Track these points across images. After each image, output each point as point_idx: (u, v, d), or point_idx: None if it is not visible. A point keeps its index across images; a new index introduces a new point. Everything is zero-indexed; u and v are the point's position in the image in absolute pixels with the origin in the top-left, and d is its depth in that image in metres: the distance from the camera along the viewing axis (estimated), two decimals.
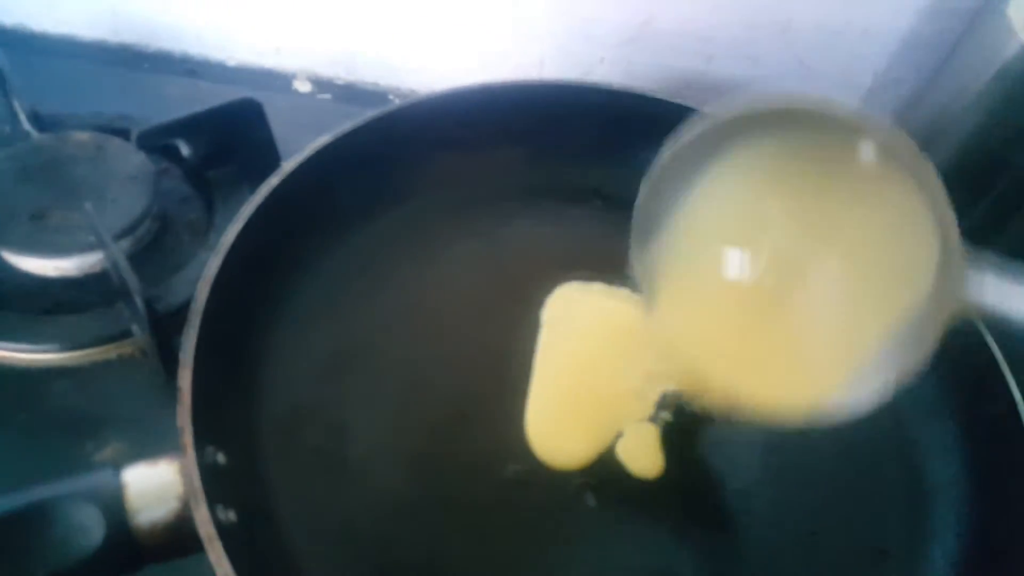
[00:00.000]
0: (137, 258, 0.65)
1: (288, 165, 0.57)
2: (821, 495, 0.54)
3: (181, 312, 0.59)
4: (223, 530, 0.40)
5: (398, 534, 0.50)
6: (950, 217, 0.39)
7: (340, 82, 0.89)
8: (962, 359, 0.54)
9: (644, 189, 0.45)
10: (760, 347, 0.46)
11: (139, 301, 0.54)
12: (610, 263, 0.61)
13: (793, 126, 0.43)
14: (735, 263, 0.46)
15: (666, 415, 0.56)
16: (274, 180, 0.55)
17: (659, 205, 0.46)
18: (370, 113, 0.63)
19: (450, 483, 0.52)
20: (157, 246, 0.67)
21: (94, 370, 0.59)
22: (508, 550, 0.50)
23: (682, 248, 0.47)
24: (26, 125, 0.70)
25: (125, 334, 0.60)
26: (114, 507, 0.41)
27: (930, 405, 0.57)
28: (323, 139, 0.59)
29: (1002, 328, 0.41)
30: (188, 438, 0.43)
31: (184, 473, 0.42)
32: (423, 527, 0.50)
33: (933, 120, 0.74)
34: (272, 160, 0.74)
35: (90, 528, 0.40)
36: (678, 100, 0.67)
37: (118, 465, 0.44)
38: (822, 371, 0.45)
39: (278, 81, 0.89)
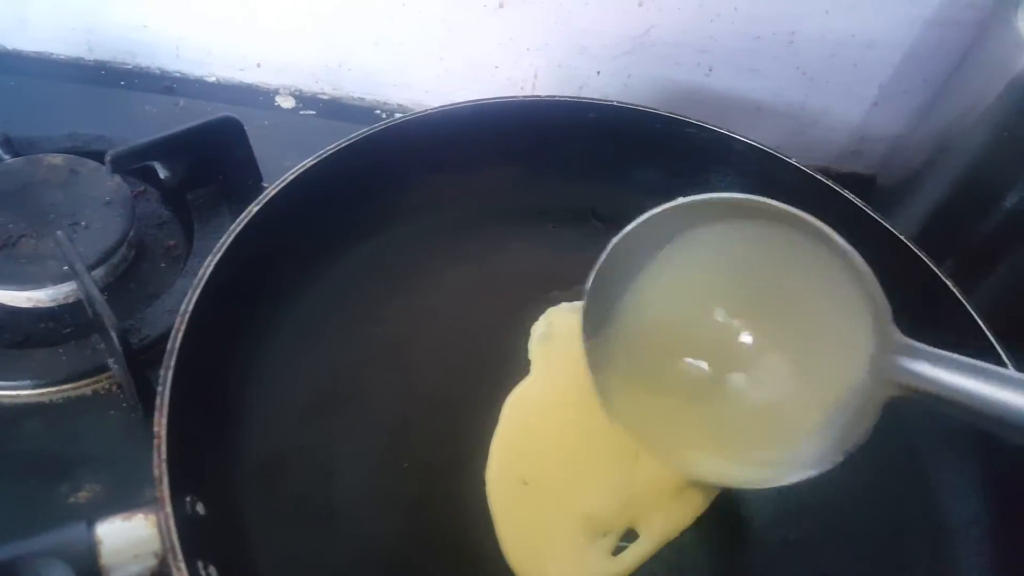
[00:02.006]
0: (112, 287, 0.63)
1: (270, 191, 0.54)
2: (839, 536, 0.52)
3: (158, 345, 0.58)
4: None
5: None
6: (882, 304, 0.42)
7: (324, 97, 0.87)
8: None
9: (592, 281, 0.48)
10: (708, 423, 0.50)
11: (113, 334, 0.51)
12: None
13: (734, 217, 0.47)
14: (683, 350, 0.51)
15: None
16: (254, 208, 0.52)
17: (607, 294, 0.50)
18: (355, 133, 0.60)
19: (445, 530, 0.49)
20: (133, 274, 0.64)
21: (68, 407, 0.56)
22: None
23: (632, 336, 0.50)
24: None
25: (101, 368, 0.57)
26: (87, 565, 0.38)
27: (948, 442, 0.54)
28: (307, 162, 0.57)
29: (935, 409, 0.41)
30: (165, 489, 0.40)
31: (161, 527, 0.39)
32: None
33: (941, 134, 0.72)
34: (253, 180, 0.72)
35: None
36: (676, 114, 0.65)
37: (94, 510, 0.41)
38: (766, 443, 0.48)
39: (260, 97, 0.86)
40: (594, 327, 0.49)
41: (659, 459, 0.50)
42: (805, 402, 0.47)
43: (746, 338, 0.50)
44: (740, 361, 0.50)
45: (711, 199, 0.47)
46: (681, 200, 0.46)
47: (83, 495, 0.51)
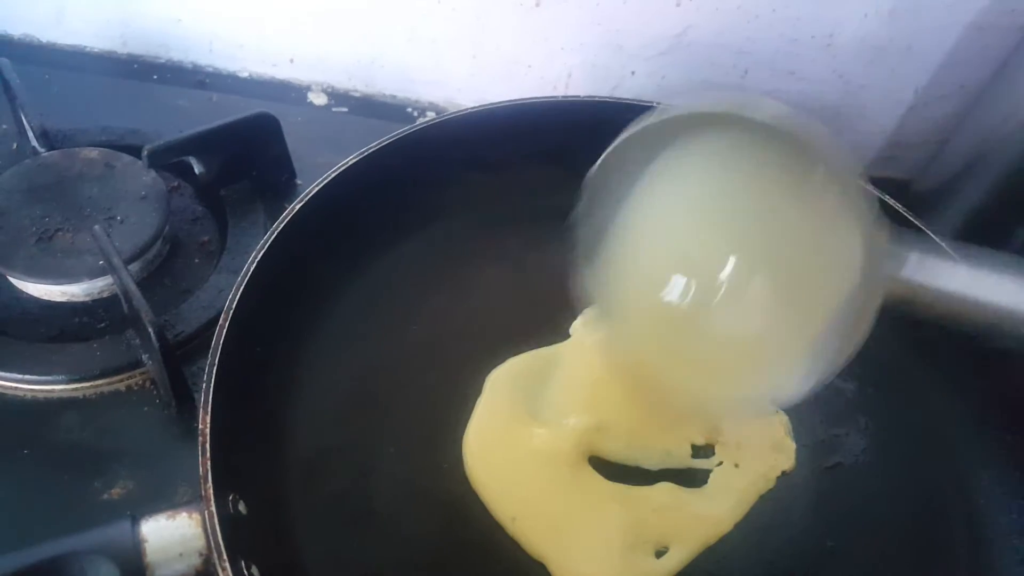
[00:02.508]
0: (146, 282, 0.63)
1: (312, 188, 0.54)
2: (878, 545, 0.51)
3: (192, 341, 0.58)
4: None
5: None
6: (869, 204, 0.41)
7: (357, 94, 0.86)
8: (1021, 399, 0.53)
9: (585, 196, 0.47)
10: (706, 344, 0.47)
11: (150, 330, 0.51)
12: None
13: (725, 129, 0.44)
14: (679, 269, 0.47)
15: None
16: (297, 205, 0.52)
17: (602, 213, 0.48)
18: (393, 131, 0.60)
19: (485, 531, 0.48)
20: (167, 269, 0.64)
21: (101, 402, 0.56)
22: None
23: (628, 256, 0.48)
24: (34, 142, 0.67)
25: (134, 364, 0.56)
26: (132, 563, 0.39)
27: (990, 452, 0.54)
28: (349, 159, 0.56)
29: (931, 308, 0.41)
30: (209, 487, 0.40)
31: (205, 526, 0.39)
32: None
33: (979, 139, 0.72)
34: (287, 177, 0.71)
35: None
36: None
37: (128, 506, 0.42)
38: (764, 362, 0.47)
39: (292, 93, 0.86)
40: (589, 253, 0.49)
41: (659, 393, 0.49)
42: (802, 316, 0.45)
43: (738, 256, 0.46)
44: (734, 279, 0.46)
45: (696, 110, 0.44)
46: (670, 111, 0.44)
47: (116, 491, 0.51)
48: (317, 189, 0.54)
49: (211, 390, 0.43)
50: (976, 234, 0.70)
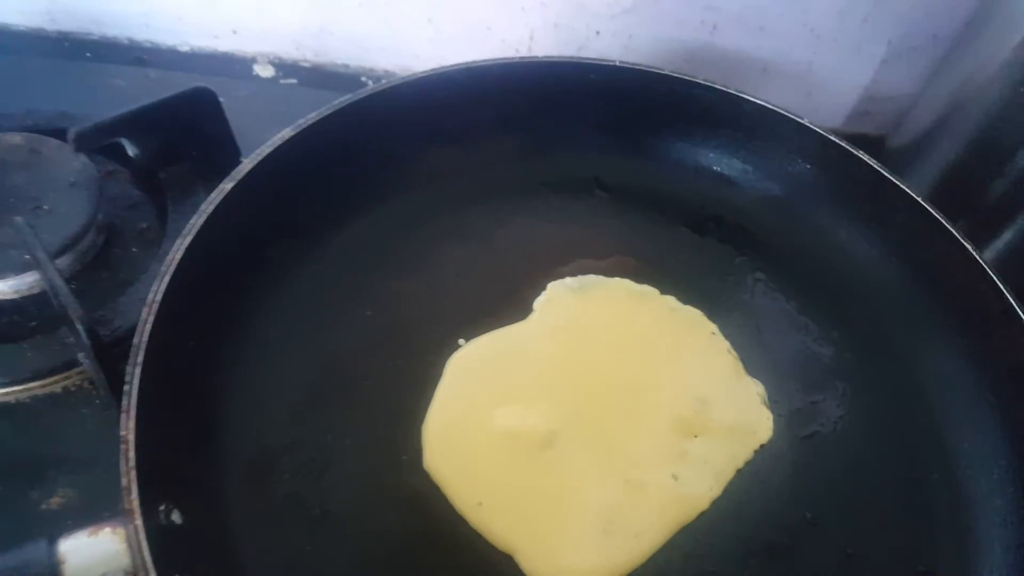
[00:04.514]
0: (80, 275, 0.59)
1: (245, 165, 0.50)
2: (858, 514, 0.50)
3: (131, 336, 0.53)
4: None
5: None
6: None
7: (306, 65, 0.83)
8: (1002, 358, 0.52)
9: None
10: None
11: (79, 327, 0.48)
12: (619, 266, 0.58)
13: None
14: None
15: None
16: (227, 184, 0.48)
17: None
18: (338, 100, 0.56)
19: (449, 524, 0.46)
20: (103, 261, 0.61)
21: (37, 406, 0.53)
22: None
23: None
24: None
25: (70, 364, 0.53)
26: None
27: (970, 413, 0.53)
28: (284, 132, 0.53)
29: None
30: (134, 500, 0.37)
31: (131, 541, 0.36)
32: None
33: (953, 91, 0.70)
34: (231, 156, 0.67)
35: None
36: (683, 74, 0.61)
37: (68, 516, 0.41)
38: None
39: (237, 66, 0.82)
40: None
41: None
42: None
43: None
44: None
45: None
46: None
47: (55, 500, 0.49)
48: (252, 166, 0.50)
49: (135, 392, 0.39)
50: (953, 188, 0.68)
